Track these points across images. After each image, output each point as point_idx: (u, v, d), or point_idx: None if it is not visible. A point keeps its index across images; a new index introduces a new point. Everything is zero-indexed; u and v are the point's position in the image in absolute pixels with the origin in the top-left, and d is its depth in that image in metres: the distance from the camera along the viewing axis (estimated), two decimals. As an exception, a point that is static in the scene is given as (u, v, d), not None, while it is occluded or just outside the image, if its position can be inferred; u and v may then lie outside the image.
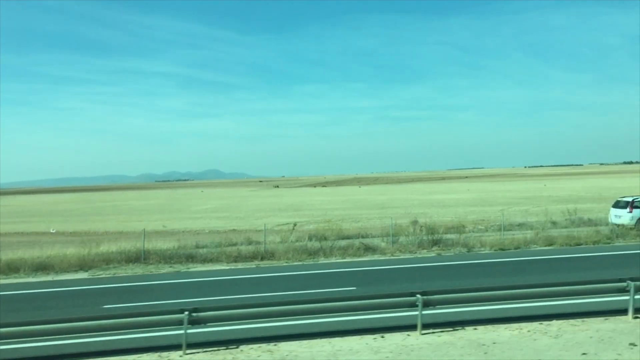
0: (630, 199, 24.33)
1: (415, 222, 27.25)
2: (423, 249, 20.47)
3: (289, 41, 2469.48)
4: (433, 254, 19.54)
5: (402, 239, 21.56)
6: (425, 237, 21.27)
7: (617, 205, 24.83)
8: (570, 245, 20.38)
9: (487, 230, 25.80)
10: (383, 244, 21.00)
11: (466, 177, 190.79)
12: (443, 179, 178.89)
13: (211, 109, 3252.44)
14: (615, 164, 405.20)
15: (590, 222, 26.35)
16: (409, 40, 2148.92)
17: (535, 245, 20.51)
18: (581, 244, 20.59)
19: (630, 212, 23.65)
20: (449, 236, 22.02)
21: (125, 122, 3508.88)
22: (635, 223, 23.30)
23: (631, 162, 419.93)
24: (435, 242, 20.86)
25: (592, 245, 20.41)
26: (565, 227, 25.25)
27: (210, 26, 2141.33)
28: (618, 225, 23.47)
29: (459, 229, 24.24)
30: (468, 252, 19.89)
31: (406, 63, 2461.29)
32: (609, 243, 20.93)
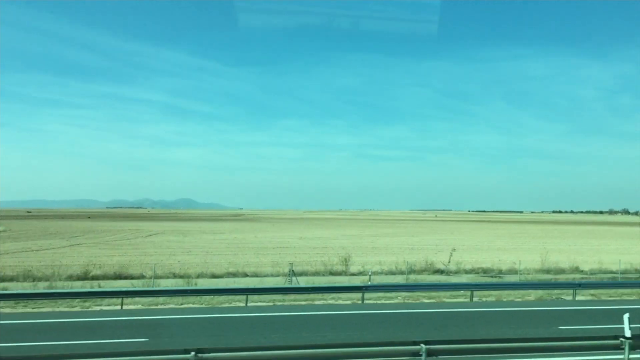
0: None
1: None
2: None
3: (272, 75, 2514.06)
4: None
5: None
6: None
7: None
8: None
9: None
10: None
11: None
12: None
13: (190, 138, 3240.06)
14: (545, 212, 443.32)
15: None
16: (389, 81, 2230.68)
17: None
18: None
19: None
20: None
21: (101, 147, 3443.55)
22: None
23: (560, 212, 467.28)
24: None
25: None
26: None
27: (193, 55, 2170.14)
28: None
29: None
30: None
31: (386, 103, 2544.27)
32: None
